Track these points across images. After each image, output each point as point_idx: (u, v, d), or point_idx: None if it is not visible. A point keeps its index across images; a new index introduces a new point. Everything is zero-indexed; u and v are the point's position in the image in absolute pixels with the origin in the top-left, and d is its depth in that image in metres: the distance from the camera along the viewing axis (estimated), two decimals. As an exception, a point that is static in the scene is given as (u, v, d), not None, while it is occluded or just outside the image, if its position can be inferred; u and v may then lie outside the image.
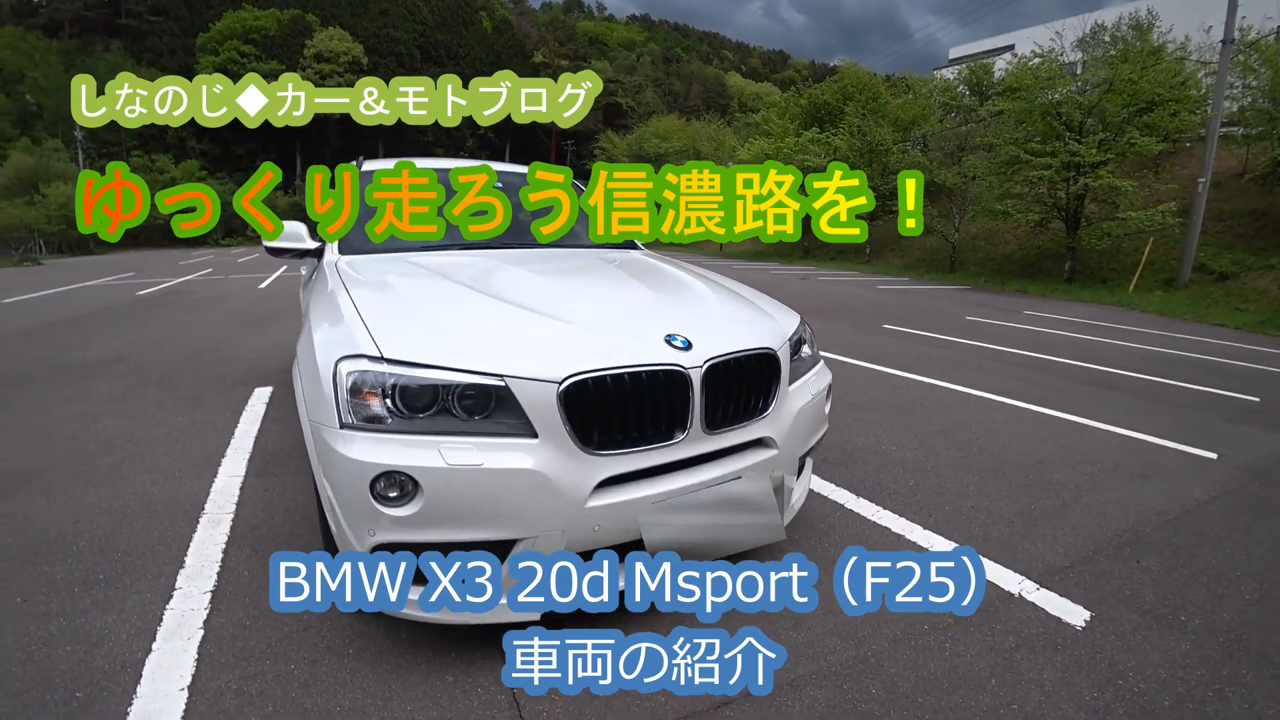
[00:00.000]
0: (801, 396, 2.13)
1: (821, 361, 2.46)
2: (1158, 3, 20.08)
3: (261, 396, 4.54)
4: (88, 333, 7.49)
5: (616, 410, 1.66)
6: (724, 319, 2.05)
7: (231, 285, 13.74)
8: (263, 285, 13.54)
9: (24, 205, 37.09)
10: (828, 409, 2.36)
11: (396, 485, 1.52)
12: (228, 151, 52.93)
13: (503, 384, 1.58)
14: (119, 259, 28.56)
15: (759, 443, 1.97)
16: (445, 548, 1.58)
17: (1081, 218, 15.81)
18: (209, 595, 2.11)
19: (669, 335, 1.78)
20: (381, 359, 1.59)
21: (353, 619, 1.96)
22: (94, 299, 11.22)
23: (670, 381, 1.70)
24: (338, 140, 52.68)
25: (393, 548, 1.58)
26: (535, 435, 1.59)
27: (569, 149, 60.33)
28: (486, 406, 1.59)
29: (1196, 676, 1.86)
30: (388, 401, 1.57)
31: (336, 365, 1.62)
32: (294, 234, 2.88)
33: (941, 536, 2.58)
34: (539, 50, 64.69)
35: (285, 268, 18.60)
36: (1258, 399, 5.43)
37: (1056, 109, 15.21)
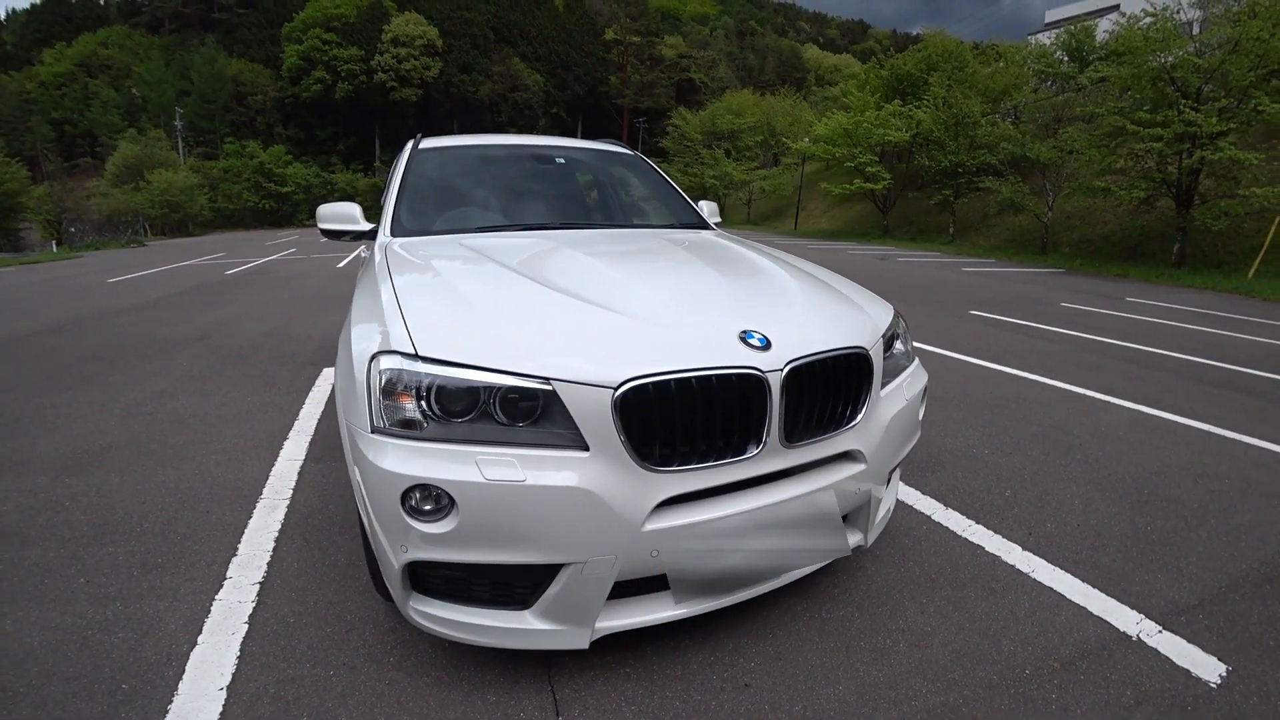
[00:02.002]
0: (895, 402, 1.86)
1: (917, 360, 2.16)
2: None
3: (328, 378, 4.60)
4: (178, 310, 7.91)
5: (681, 420, 1.44)
6: (807, 312, 1.78)
7: (311, 264, 14.29)
8: (340, 265, 14.01)
9: (131, 191, 40.04)
10: (922, 414, 2.08)
11: (431, 498, 1.38)
12: (311, 135, 55.49)
13: (549, 388, 1.40)
14: (213, 240, 30.46)
15: (844, 456, 1.72)
16: (482, 570, 1.45)
17: (1195, 195, 14.36)
18: (257, 588, 2.08)
19: (744, 332, 1.54)
20: (417, 356, 1.44)
21: (395, 621, 1.89)
22: (187, 278, 11.87)
23: (745, 386, 1.47)
24: (415, 122, 54.25)
25: (425, 566, 1.46)
26: (586, 448, 1.41)
27: (641, 126, 59.89)
28: (531, 413, 1.42)
29: None
30: (423, 404, 1.42)
31: (370, 362, 1.49)
32: (347, 215, 2.76)
33: (1044, 560, 2.27)
34: (611, 27, 64.13)
35: (364, 248, 19.28)
36: None
37: (1170, 74, 13.76)
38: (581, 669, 1.71)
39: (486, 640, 1.51)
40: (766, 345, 1.51)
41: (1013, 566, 2.24)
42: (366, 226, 2.74)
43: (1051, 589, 2.11)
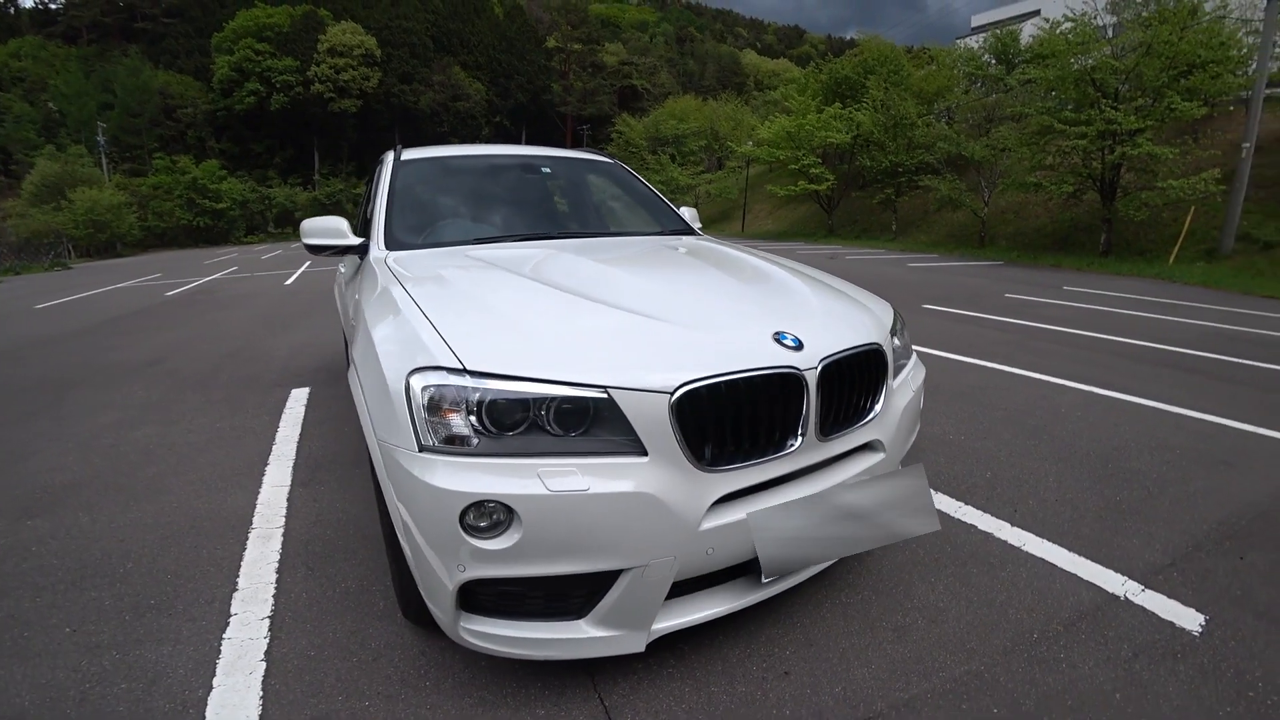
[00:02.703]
0: (904, 393, 1.98)
1: (915, 354, 2.29)
2: (1195, -40, 19.19)
3: (299, 398, 4.47)
4: (122, 335, 7.55)
5: (730, 420, 1.50)
6: (825, 313, 1.86)
7: (257, 283, 13.81)
8: (288, 282, 13.60)
9: (51, 211, 37.77)
10: (921, 404, 2.20)
11: (488, 515, 1.37)
12: (246, 149, 53.45)
13: (605, 396, 1.40)
14: (146, 260, 29.03)
15: (866, 447, 1.81)
16: (539, 583, 1.44)
17: (1118, 188, 15.28)
18: (267, 622, 1.99)
19: (778, 333, 1.60)
20: (464, 371, 1.42)
21: (424, 644, 1.86)
22: (125, 301, 11.33)
23: (785, 385, 1.54)
24: (354, 133, 52.88)
25: (478, 584, 1.44)
26: (644, 453, 1.42)
27: (585, 133, 59.95)
28: (585, 422, 1.42)
29: None
30: (472, 419, 1.40)
31: (409, 379, 1.46)
32: (334, 230, 2.67)
33: (1032, 534, 2.43)
34: (552, 35, 64.06)
35: (309, 263, 18.70)
36: (1329, 374, 5.16)
37: (1091, 75, 14.65)
38: (625, 674, 1.72)
39: (541, 653, 1.50)
40: (799, 345, 1.58)
41: (1005, 542, 2.39)
42: (355, 241, 2.68)
43: (1044, 560, 2.27)
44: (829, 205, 27.52)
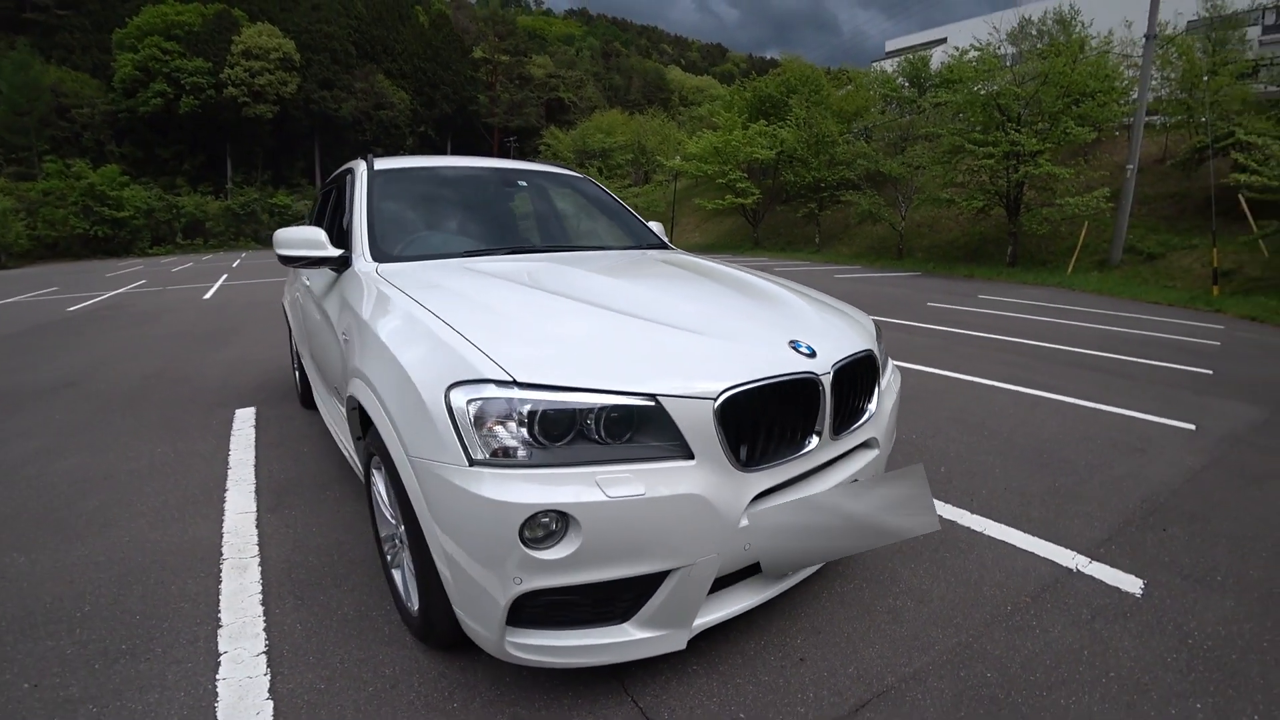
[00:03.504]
0: (890, 395, 2.15)
1: (891, 360, 2.47)
2: (1078, -1, 21.14)
3: (246, 419, 4.21)
4: (23, 354, 6.94)
5: (763, 423, 1.60)
6: (825, 323, 2.00)
7: (172, 297, 13.00)
8: (207, 296, 12.87)
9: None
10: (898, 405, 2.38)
11: (543, 525, 1.39)
12: (151, 154, 49.82)
13: (654, 404, 1.46)
14: (37, 273, 26.67)
15: (864, 445, 1.97)
16: (588, 590, 1.45)
17: (1021, 204, 16.58)
18: (263, 659, 1.85)
19: (793, 342, 1.73)
20: (513, 383, 1.43)
21: (442, 667, 1.80)
22: (20, 317, 10.43)
23: (806, 389, 1.67)
24: (271, 140, 50.35)
25: (527, 596, 1.44)
26: (691, 457, 1.48)
27: (512, 145, 59.53)
28: (632, 429, 1.47)
29: (1249, 630, 2.01)
30: (524, 431, 1.42)
31: (448, 394, 1.46)
32: (312, 241, 2.51)
33: (990, 520, 2.68)
34: (478, 45, 63.37)
35: (226, 276, 17.76)
36: (1210, 371, 5.83)
37: (996, 100, 15.87)
38: (652, 676, 1.75)
39: (588, 660, 1.52)
40: (813, 353, 1.71)
41: (969, 528, 2.63)
42: (334, 253, 2.56)
43: (1004, 541, 2.51)
44: (755, 219, 28.37)
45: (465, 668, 1.80)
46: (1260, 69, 17.60)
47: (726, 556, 1.54)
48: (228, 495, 3.02)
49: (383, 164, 3.09)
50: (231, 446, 3.70)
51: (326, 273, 2.80)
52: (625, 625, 1.51)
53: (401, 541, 1.87)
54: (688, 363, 1.58)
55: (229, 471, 3.32)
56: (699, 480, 1.47)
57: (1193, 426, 4.07)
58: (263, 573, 2.33)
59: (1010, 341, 6.96)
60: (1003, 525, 2.63)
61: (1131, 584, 2.23)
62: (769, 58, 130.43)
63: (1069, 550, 2.45)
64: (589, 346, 1.61)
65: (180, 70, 48.05)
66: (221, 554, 2.47)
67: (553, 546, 1.39)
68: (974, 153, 16.04)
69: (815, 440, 1.70)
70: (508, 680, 1.75)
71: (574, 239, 3.34)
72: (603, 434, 1.45)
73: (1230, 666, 1.84)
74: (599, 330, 1.72)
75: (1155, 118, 17.50)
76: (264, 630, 2.00)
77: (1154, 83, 16.31)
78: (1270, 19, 21.68)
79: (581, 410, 1.44)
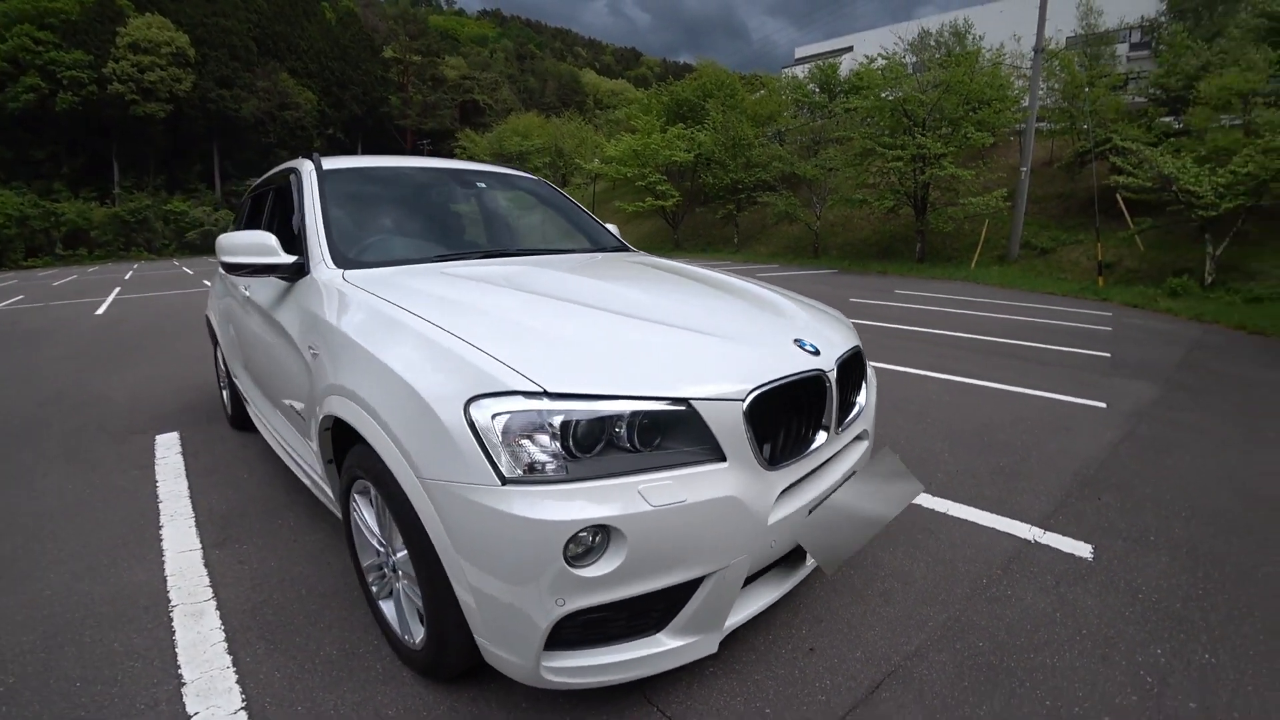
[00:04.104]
0: (871, 389, 2.25)
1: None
2: (971, 13, 22.71)
3: (169, 445, 3.82)
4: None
5: (780, 422, 1.63)
6: (816, 321, 2.06)
7: (59, 314, 11.87)
8: (99, 312, 11.83)
9: None
10: None
11: (582, 542, 1.34)
12: (23, 154, 44.70)
13: (686, 408, 1.44)
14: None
15: (857, 437, 2.06)
16: (625, 604, 1.41)
17: (928, 204, 17.62)
18: (244, 715, 1.67)
19: (797, 340, 1.76)
20: (543, 394, 1.37)
21: (451, 700, 1.70)
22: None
23: (816, 386, 1.71)
24: (164, 141, 46.49)
25: (575, 615, 1.38)
26: (724, 459, 1.48)
27: (425, 148, 57.86)
28: (663, 435, 1.44)
29: (1185, 581, 2.27)
30: (556, 444, 1.36)
31: (467, 408, 1.37)
32: (261, 246, 2.29)
33: (951, 500, 2.87)
34: (389, 45, 61.17)
35: (120, 289, 16.38)
36: (1108, 354, 6.41)
37: (903, 106, 16.80)
38: (673, 683, 1.75)
39: (626, 675, 1.47)
40: (817, 350, 1.75)
41: (933, 510, 2.80)
42: (288, 259, 2.35)
43: (966, 520, 2.70)
44: (674, 220, 28.72)
45: (476, 699, 1.71)
46: (1129, 82, 19.47)
47: (756, 555, 1.55)
48: (164, 532, 2.71)
49: (331, 163, 2.87)
50: (158, 477, 3.33)
51: (275, 282, 2.54)
52: (659, 635, 1.49)
53: (395, 570, 1.78)
54: (710, 365, 1.57)
55: (160, 505, 2.98)
56: (733, 482, 1.47)
57: (1104, 405, 4.48)
58: (222, 617, 2.09)
59: (933, 333, 7.40)
60: (962, 505, 2.83)
61: (1083, 549, 2.46)
62: (682, 62, 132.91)
63: (1024, 524, 2.66)
64: (607, 352, 1.57)
65: (56, 63, 43.30)
66: (169, 600, 2.20)
67: (595, 562, 1.35)
68: (884, 155, 16.91)
69: (824, 435, 1.76)
70: (524, 706, 1.68)
71: (540, 241, 3.29)
72: (635, 442, 1.41)
73: (1177, 614, 2.07)
74: (610, 335, 1.67)
75: (1043, 124, 18.99)
76: (237, 683, 1.79)
77: (1040, 92, 17.74)
78: (1136, 37, 24.10)
79: (612, 418, 1.40)
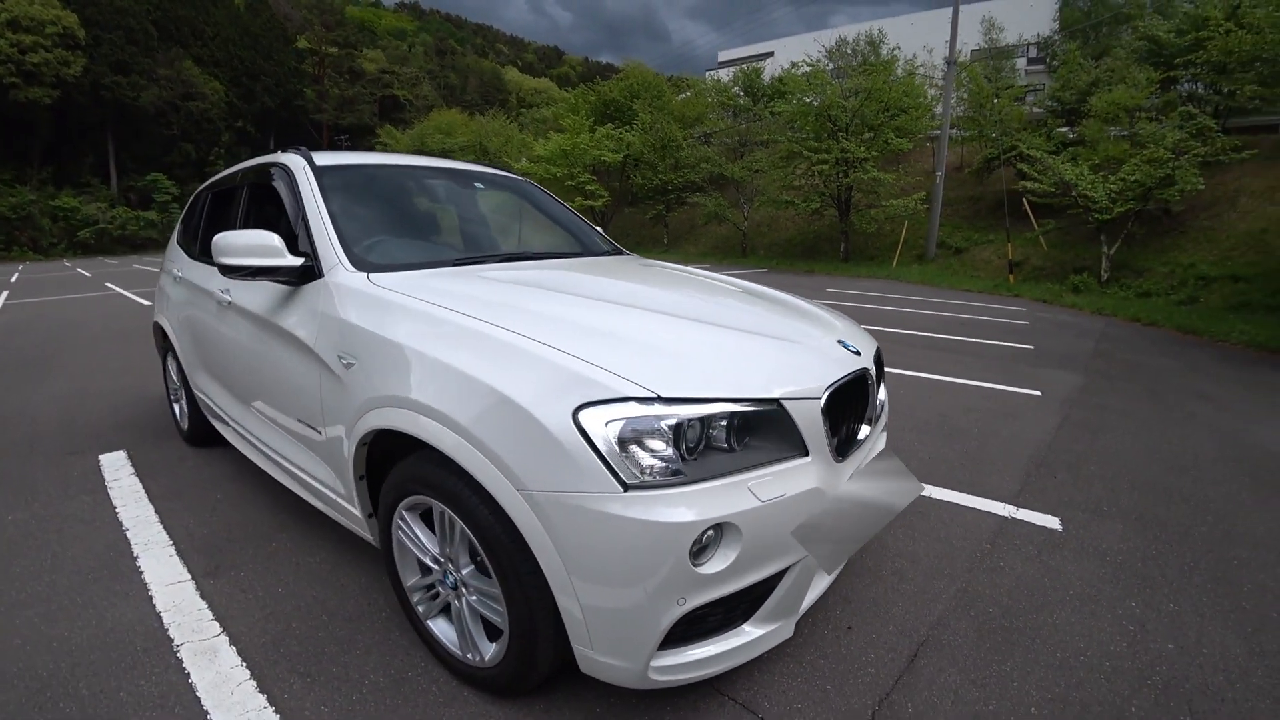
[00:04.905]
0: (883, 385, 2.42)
1: None
2: (884, 24, 23.93)
3: (118, 466, 3.42)
4: None
5: (841, 417, 1.73)
6: (841, 322, 2.22)
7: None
8: (-8, 320, 10.76)
9: None
10: None
11: (701, 540, 1.38)
12: None
13: (776, 407, 1.52)
14: None
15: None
16: (724, 599, 1.46)
17: (851, 205, 18.49)
18: None
19: (840, 341, 1.89)
20: (656, 399, 1.40)
21: (520, 714, 1.68)
22: None
23: (861, 383, 1.84)
24: (49, 133, 42.11)
25: (693, 613, 1.42)
26: (807, 453, 1.57)
27: (344, 144, 55.45)
28: (754, 433, 1.50)
29: (1141, 544, 2.60)
30: (669, 448, 1.39)
31: (577, 416, 1.38)
32: (266, 247, 2.11)
33: (932, 485, 3.12)
34: (303, 35, 58.14)
35: (8, 294, 14.93)
36: (1031, 346, 7.00)
37: (828, 112, 17.56)
38: (734, 672, 1.79)
39: (720, 668, 1.51)
40: (858, 352, 1.89)
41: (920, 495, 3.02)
42: (295, 262, 2.18)
43: (950, 502, 2.95)
44: (604, 220, 28.75)
45: (548, 709, 1.69)
46: (1028, 94, 21.09)
47: None
48: (141, 563, 2.43)
49: (323, 159, 2.68)
50: (115, 502, 2.98)
51: (270, 286, 2.37)
52: (745, 626, 1.55)
53: (457, 587, 1.74)
54: (787, 366, 1.67)
55: (128, 533, 2.67)
56: (815, 475, 1.57)
57: (1039, 393, 4.91)
58: (240, 653, 1.91)
59: (873, 329, 7.83)
60: (943, 489, 3.08)
61: (1053, 522, 2.75)
62: (605, 62, 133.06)
63: (999, 502, 2.94)
64: (695, 356, 1.60)
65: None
66: (171, 639, 1.97)
67: (710, 560, 1.40)
68: (809, 159, 17.62)
69: (867, 428, 1.91)
70: (599, 711, 1.69)
71: (547, 244, 3.21)
72: (732, 441, 1.47)
73: (1140, 572, 2.38)
74: (689, 339, 1.70)
75: (954, 131, 20.29)
76: (279, 722, 1.64)
77: (951, 101, 18.95)
78: (1033, 53, 26.17)
79: (710, 419, 1.44)
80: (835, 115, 17.42)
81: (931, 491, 3.05)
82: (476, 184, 3.20)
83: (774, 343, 1.79)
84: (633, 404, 1.39)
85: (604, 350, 1.53)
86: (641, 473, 1.37)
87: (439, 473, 1.62)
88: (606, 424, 1.37)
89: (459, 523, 1.61)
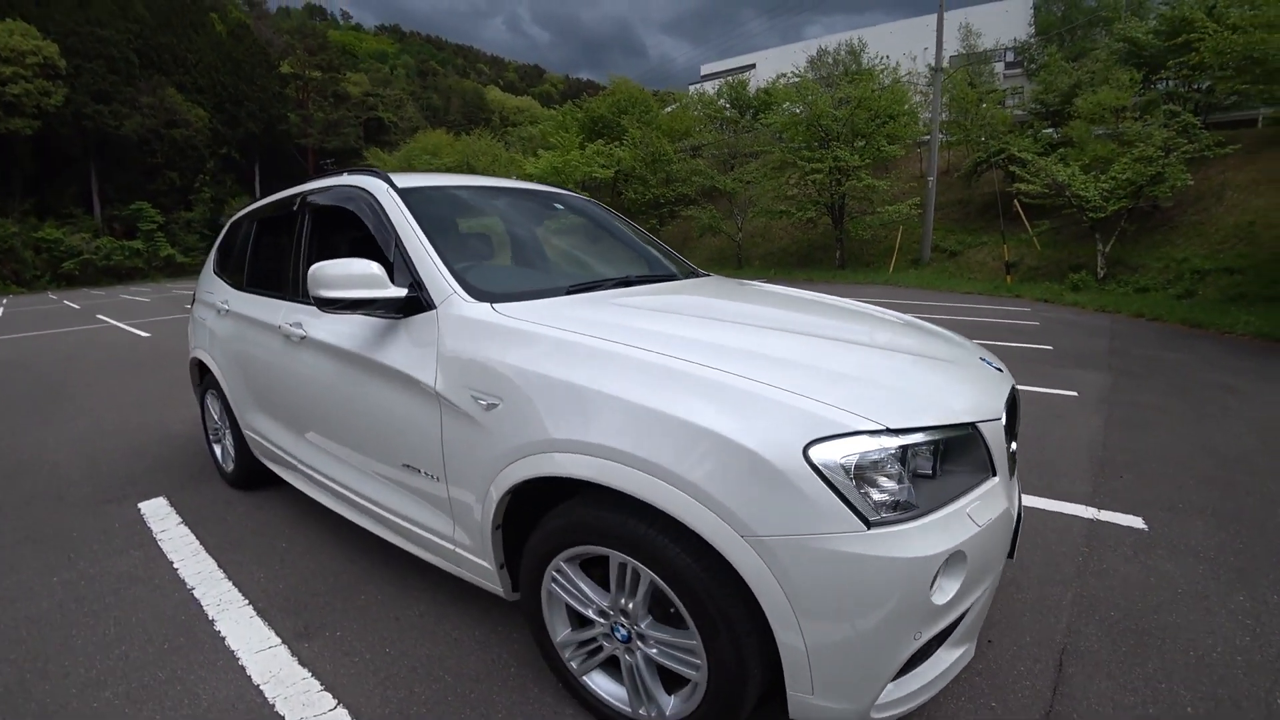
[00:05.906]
0: None
1: None
2: (865, 33, 24.35)
3: (162, 515, 3.14)
4: None
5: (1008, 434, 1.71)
6: (959, 338, 2.25)
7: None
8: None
9: None
10: None
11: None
12: None
13: (972, 430, 1.51)
14: None
15: None
16: (950, 625, 1.45)
17: (845, 213, 18.71)
18: None
19: (983, 359, 1.90)
20: (884, 430, 1.34)
21: None
22: None
23: (1013, 399, 1.81)
24: (31, 164, 41.57)
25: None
26: (994, 474, 1.55)
27: (330, 168, 55.27)
28: (951, 458, 1.47)
29: (1224, 539, 2.68)
30: (899, 481, 1.35)
31: (807, 453, 1.30)
32: (368, 277, 1.94)
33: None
34: (286, 59, 58.02)
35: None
36: (1050, 347, 7.10)
37: (820, 121, 17.80)
38: None
39: (924, 698, 1.49)
40: (1001, 369, 1.90)
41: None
42: (399, 293, 2.01)
43: (1037, 508, 2.97)
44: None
45: None
46: (1010, 98, 21.51)
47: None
48: (220, 628, 2.19)
49: (409, 181, 2.48)
50: (171, 556, 2.71)
51: (362, 320, 2.19)
52: (939, 652, 1.51)
53: (630, 640, 1.64)
54: (966, 388, 1.65)
55: (194, 592, 2.42)
56: (1002, 493, 1.56)
57: (1075, 394, 4.99)
58: None
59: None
60: (1026, 495, 3.11)
61: (1137, 522, 2.81)
62: (585, 79, 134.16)
63: (1082, 505, 2.99)
64: (892, 383, 1.55)
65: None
66: (282, 717, 1.77)
67: (940, 589, 1.38)
68: (803, 168, 17.84)
69: (1014, 444, 1.85)
70: None
71: (641, 267, 2.91)
72: (936, 468, 1.42)
73: (1235, 566, 2.45)
74: (876, 365, 1.65)
75: (941, 136, 20.65)
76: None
77: (940, 106, 19.29)
78: (1010, 57, 26.73)
79: (930, 445, 1.41)
80: (826, 125, 17.67)
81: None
82: (555, 205, 3.07)
83: (942, 365, 1.78)
84: (863, 437, 1.32)
85: (810, 382, 1.45)
86: (879, 508, 1.31)
87: (621, 520, 1.52)
88: (841, 460, 1.30)
89: (646, 573, 1.51)
